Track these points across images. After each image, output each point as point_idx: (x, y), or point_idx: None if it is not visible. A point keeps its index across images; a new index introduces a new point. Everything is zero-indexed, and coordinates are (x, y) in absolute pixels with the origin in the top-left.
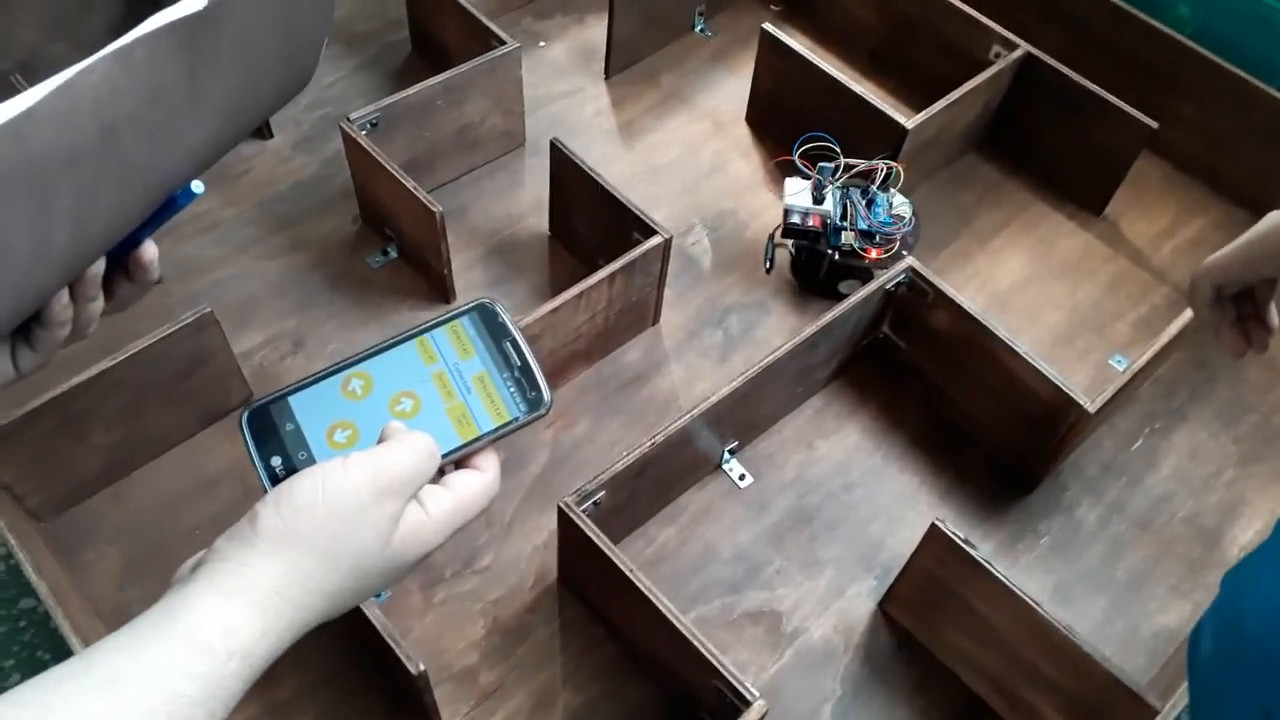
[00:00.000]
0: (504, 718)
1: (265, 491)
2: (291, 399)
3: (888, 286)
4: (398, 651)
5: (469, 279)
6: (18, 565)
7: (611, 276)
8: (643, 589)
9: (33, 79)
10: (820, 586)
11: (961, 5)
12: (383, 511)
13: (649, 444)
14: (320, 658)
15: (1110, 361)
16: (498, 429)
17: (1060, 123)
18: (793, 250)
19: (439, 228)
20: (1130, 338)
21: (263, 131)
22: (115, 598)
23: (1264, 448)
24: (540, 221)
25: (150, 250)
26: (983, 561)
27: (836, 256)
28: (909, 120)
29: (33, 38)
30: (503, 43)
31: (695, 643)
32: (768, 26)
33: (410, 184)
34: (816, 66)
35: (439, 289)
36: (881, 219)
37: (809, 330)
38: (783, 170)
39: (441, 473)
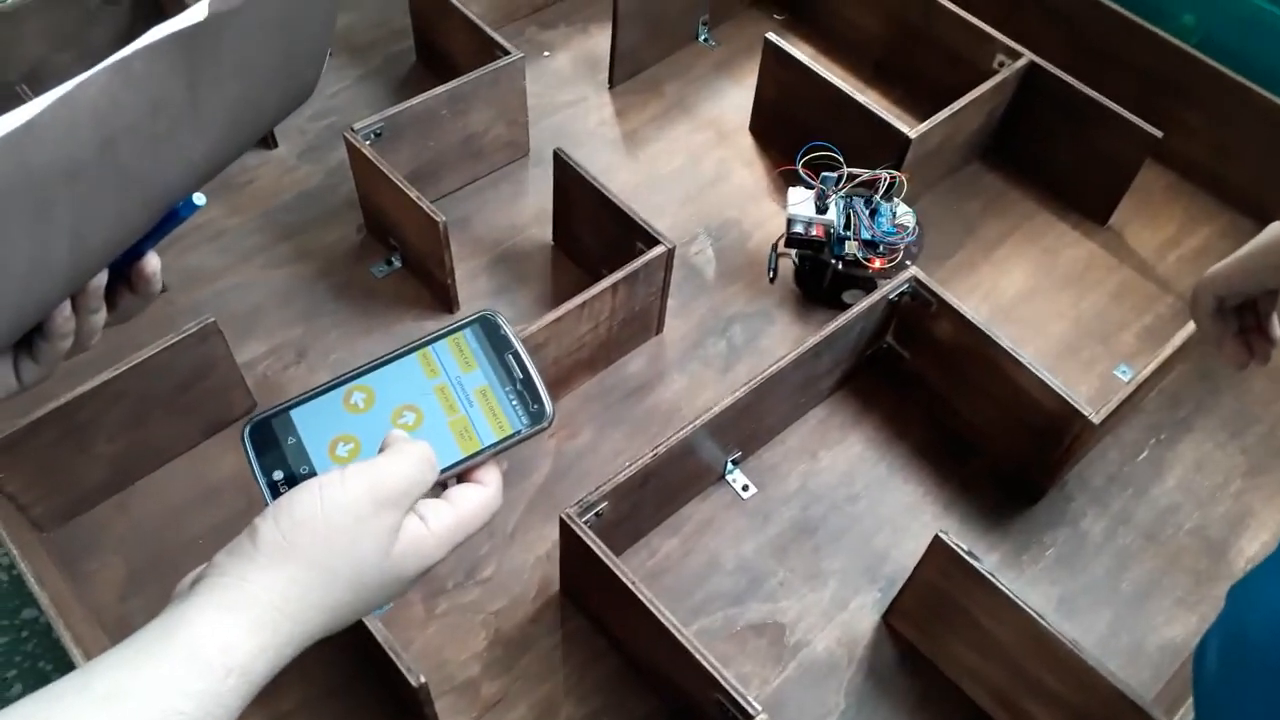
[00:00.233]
0: None
1: (267, 505)
2: (294, 413)
3: (891, 296)
4: (399, 663)
5: (473, 289)
6: (20, 576)
7: (615, 286)
8: (644, 601)
9: (39, 89)
10: (824, 598)
11: (965, 14)
12: (381, 523)
13: (651, 454)
14: (323, 670)
15: (1115, 372)
16: (500, 442)
17: (1064, 132)
18: (796, 260)
19: (443, 237)
20: (1135, 348)
21: (267, 141)
22: (118, 608)
23: (1270, 459)
24: (544, 231)
25: (153, 262)
26: (986, 574)
27: (840, 266)
28: (912, 130)
29: (39, 49)
30: (507, 53)
31: (697, 655)
32: (771, 36)
33: (414, 194)
34: (820, 76)
35: (442, 299)
36: (885, 229)
37: (812, 340)
38: (786, 180)
39: (443, 486)
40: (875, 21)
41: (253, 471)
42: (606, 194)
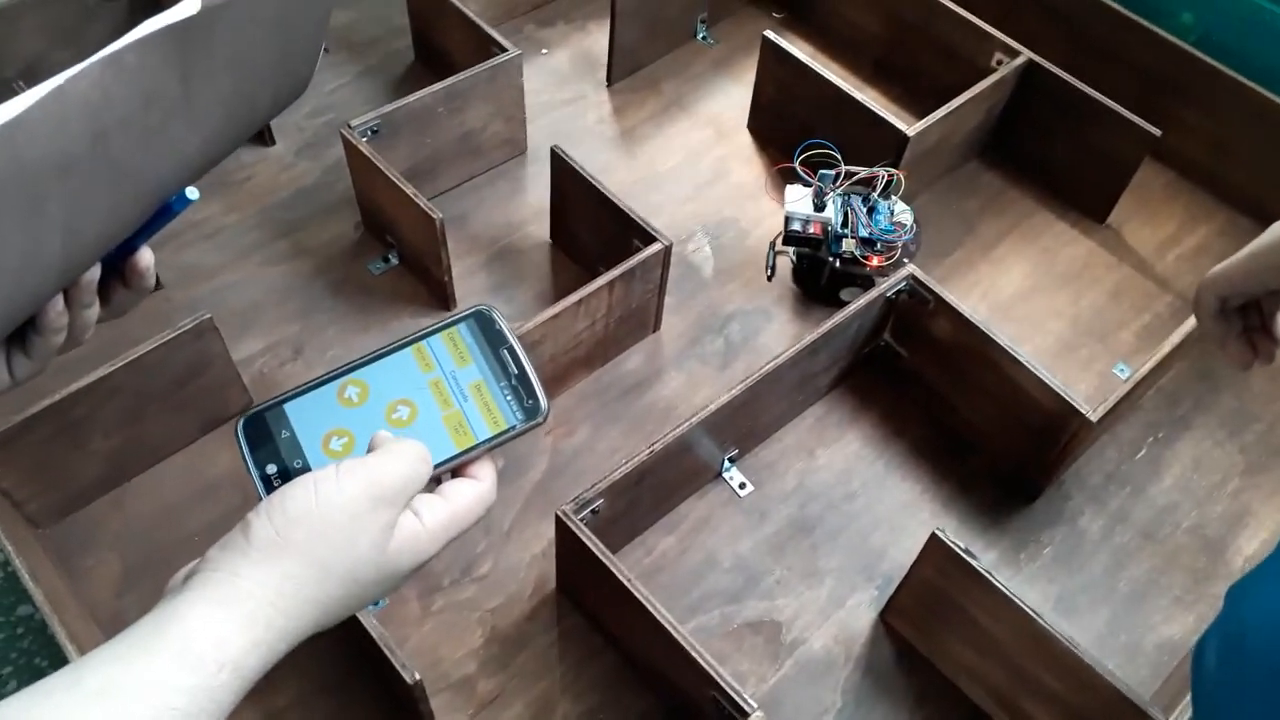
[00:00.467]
0: None
1: (261, 499)
2: (287, 406)
3: (889, 294)
4: (394, 660)
5: (470, 286)
6: (15, 572)
7: (611, 283)
8: (640, 598)
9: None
10: (821, 596)
11: (964, 12)
12: (377, 520)
13: (648, 452)
14: (318, 666)
15: (1113, 370)
16: (494, 437)
17: (1063, 130)
18: (794, 258)
19: (439, 234)
20: (1134, 346)
21: (264, 138)
22: (113, 604)
23: (1269, 458)
24: (541, 228)
25: (146, 256)
26: (984, 572)
27: (838, 264)
28: (910, 128)
29: (36, 45)
30: (504, 50)
31: (693, 653)
32: (769, 34)
33: (411, 191)
34: (818, 74)
35: (440, 296)
36: (883, 226)
37: (810, 337)
38: (784, 177)
39: (437, 481)
40: (874, 19)
41: (246, 465)
42: (604, 191)
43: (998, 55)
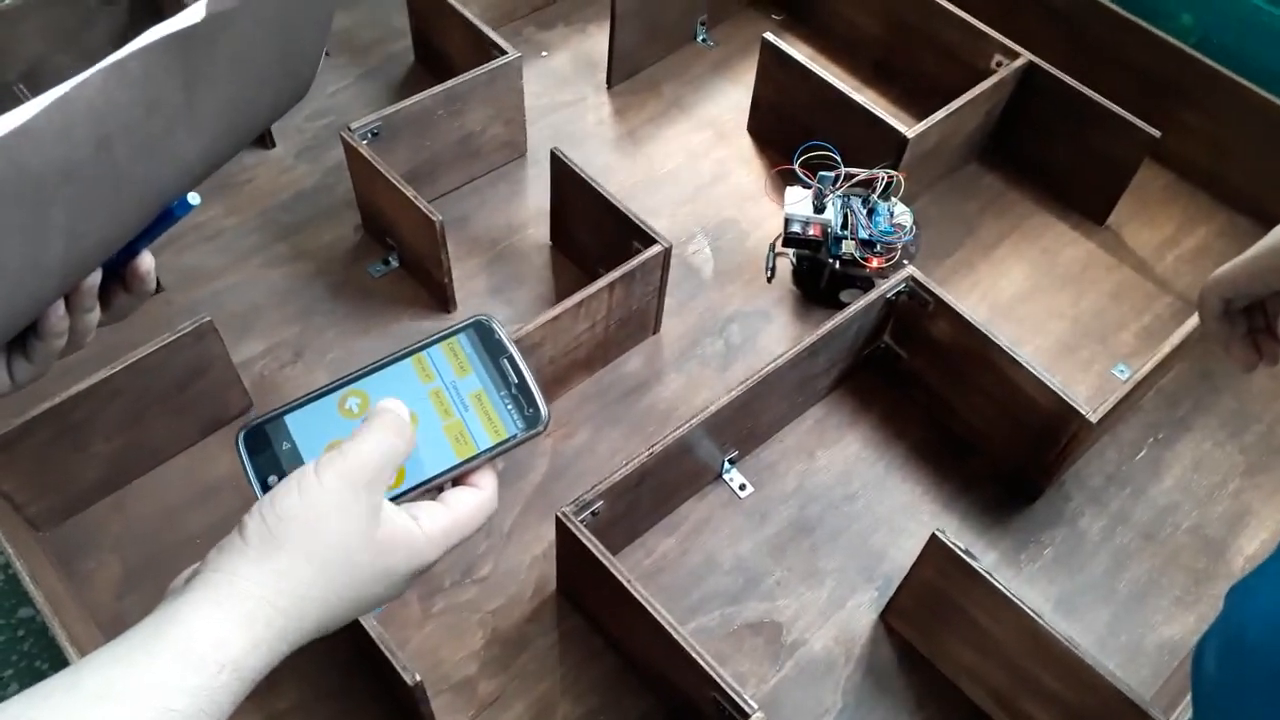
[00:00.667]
0: None
1: None
2: (288, 418)
3: (889, 295)
4: (394, 662)
5: (470, 288)
6: (16, 575)
7: (611, 285)
8: (640, 600)
9: (36, 89)
10: (821, 597)
11: (963, 14)
12: (361, 506)
13: (648, 453)
14: (319, 668)
15: (1113, 371)
16: (495, 446)
17: (1063, 132)
18: (794, 259)
19: (439, 237)
20: (1134, 347)
21: (265, 140)
22: (114, 607)
23: (1269, 458)
24: (541, 231)
25: (147, 261)
26: (984, 573)
27: (837, 265)
28: (910, 129)
29: (37, 48)
30: (504, 52)
31: (694, 654)
32: (769, 36)
33: (411, 193)
34: (817, 76)
35: (440, 298)
36: (882, 228)
37: (810, 339)
38: (784, 179)
39: (439, 489)
40: (873, 21)
41: (247, 477)
42: (604, 194)
43: (997, 57)
